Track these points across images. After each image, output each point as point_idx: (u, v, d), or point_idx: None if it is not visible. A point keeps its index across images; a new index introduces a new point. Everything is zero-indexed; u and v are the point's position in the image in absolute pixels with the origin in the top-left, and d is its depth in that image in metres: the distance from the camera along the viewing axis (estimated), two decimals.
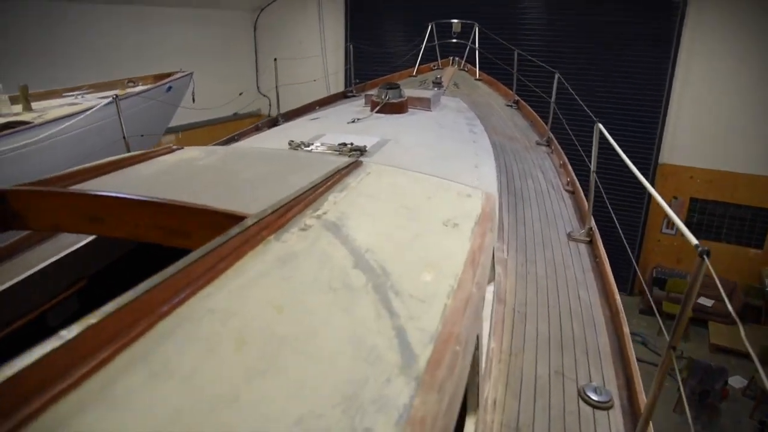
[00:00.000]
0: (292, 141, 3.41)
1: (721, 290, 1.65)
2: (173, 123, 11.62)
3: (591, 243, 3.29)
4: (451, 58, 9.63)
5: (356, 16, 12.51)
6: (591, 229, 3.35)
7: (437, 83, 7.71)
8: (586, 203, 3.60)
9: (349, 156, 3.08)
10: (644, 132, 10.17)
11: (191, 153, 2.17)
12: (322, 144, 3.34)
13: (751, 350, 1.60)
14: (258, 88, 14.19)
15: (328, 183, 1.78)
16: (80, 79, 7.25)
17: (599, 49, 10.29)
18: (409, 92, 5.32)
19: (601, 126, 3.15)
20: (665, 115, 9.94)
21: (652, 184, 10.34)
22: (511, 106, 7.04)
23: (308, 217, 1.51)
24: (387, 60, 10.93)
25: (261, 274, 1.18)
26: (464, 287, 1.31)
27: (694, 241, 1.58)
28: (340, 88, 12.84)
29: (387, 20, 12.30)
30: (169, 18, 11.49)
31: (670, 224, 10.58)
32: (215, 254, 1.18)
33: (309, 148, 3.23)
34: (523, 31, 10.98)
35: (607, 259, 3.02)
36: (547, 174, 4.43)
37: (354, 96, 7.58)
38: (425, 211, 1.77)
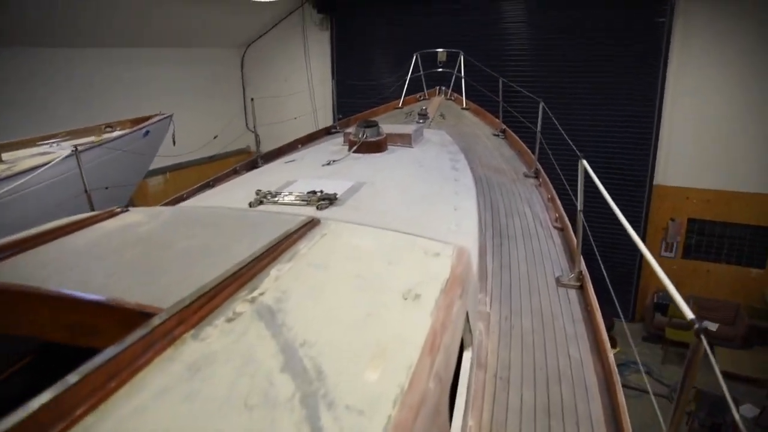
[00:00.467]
0: (260, 190, 3.22)
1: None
2: (162, 163, 11.55)
3: (581, 288, 3.07)
4: (438, 87, 9.55)
5: (342, 49, 12.50)
6: (581, 273, 3.13)
7: (422, 115, 7.59)
8: (575, 242, 3.39)
9: (318, 206, 2.89)
10: (637, 154, 10.04)
11: (133, 217, 1.98)
12: (290, 193, 3.15)
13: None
14: (246, 124, 14.11)
15: (275, 252, 1.58)
16: (69, 123, 7.12)
17: (587, 73, 10.22)
18: (389, 128, 5.16)
19: (585, 163, 2.97)
20: (657, 136, 9.82)
21: (648, 207, 10.19)
22: (498, 135, 6.90)
23: (240, 301, 1.30)
24: (374, 92, 10.84)
25: (161, 392, 0.96)
26: (417, 386, 1.10)
27: (689, 315, 1.37)
28: (329, 122, 12.78)
29: (373, 53, 12.28)
30: (156, 58, 11.46)
31: (669, 246, 10.38)
32: (107, 369, 0.96)
33: (276, 199, 3.04)
34: (508, 57, 10.94)
35: (598, 307, 2.80)
36: (534, 209, 4.24)
37: (337, 132, 7.44)
38: (384, 280, 1.56)
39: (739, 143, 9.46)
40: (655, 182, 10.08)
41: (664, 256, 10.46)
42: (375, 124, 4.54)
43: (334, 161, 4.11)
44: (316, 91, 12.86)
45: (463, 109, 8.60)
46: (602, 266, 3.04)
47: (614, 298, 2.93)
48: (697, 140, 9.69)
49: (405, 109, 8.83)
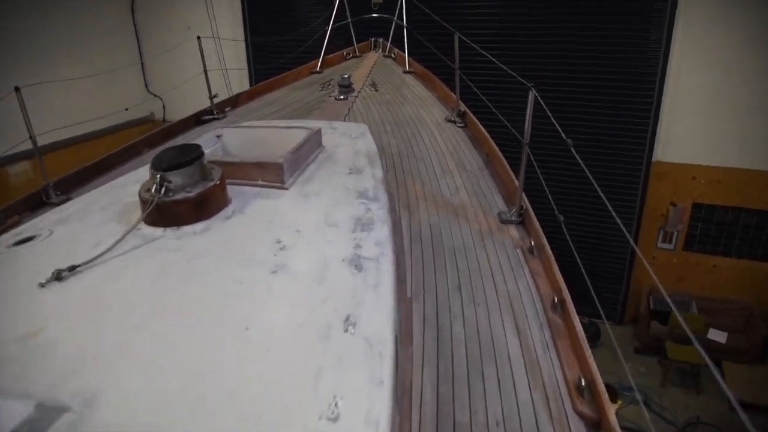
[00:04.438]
0: None
1: None
2: (29, 144, 8.89)
3: None
4: (372, 39, 7.06)
5: None
6: None
7: (345, 86, 5.16)
8: None
9: None
10: (633, 123, 7.81)
11: None
12: None
13: None
14: (146, 86, 11.29)
15: None
16: None
17: (573, 19, 7.77)
18: (246, 141, 2.77)
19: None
20: (659, 101, 7.58)
21: (644, 188, 8.08)
22: (454, 121, 4.52)
23: None
24: (294, 47, 8.19)
25: None
26: None
27: None
28: (244, 83, 10.11)
29: None
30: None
31: (668, 236, 8.37)
32: None
33: None
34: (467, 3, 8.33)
35: None
36: (545, 354, 1.96)
37: (215, 119, 4.94)
38: None
39: (756, 112, 7.32)
40: (654, 158, 7.94)
41: (662, 248, 8.47)
42: (194, 157, 2.08)
43: (71, 270, 1.72)
44: (224, 43, 10.07)
45: (405, 72, 6.15)
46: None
47: None
48: (708, 107, 7.51)
49: (326, 73, 6.34)
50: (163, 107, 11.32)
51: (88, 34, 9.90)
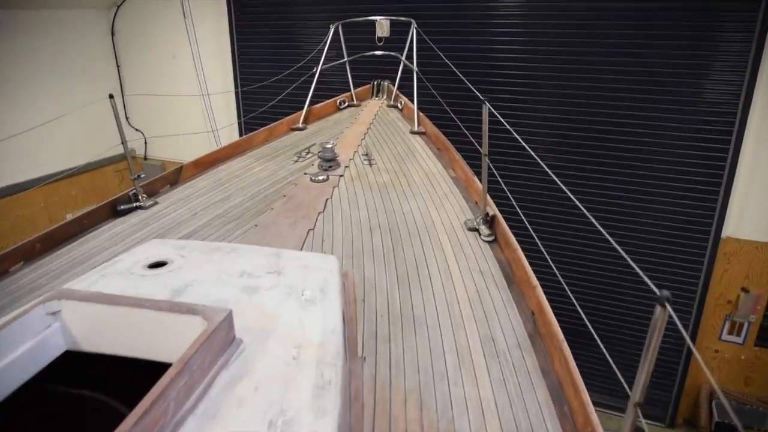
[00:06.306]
0: None
1: None
2: None
3: None
4: (374, 82, 5.64)
5: (244, 15, 8.28)
6: None
7: (327, 160, 3.72)
8: None
9: None
10: (700, 192, 6.28)
11: None
12: None
13: None
14: (127, 119, 9.97)
15: None
16: None
17: (632, 70, 6.18)
18: (88, 346, 1.34)
19: None
20: (734, 167, 6.04)
21: (710, 269, 6.52)
22: (477, 230, 3.04)
23: None
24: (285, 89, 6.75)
25: None
26: None
27: None
28: (233, 134, 8.77)
29: (293, 20, 8.07)
30: None
31: (736, 327, 6.77)
32: None
33: None
34: (500, 33, 6.78)
35: None
36: None
37: (140, 207, 3.49)
38: None
39: None
40: (723, 234, 6.37)
41: (727, 341, 6.86)
42: None
43: None
44: (209, 73, 8.75)
45: (413, 133, 4.70)
46: None
47: None
48: None
49: (310, 130, 4.92)
50: (145, 143, 10.00)
51: (59, 55, 8.63)
